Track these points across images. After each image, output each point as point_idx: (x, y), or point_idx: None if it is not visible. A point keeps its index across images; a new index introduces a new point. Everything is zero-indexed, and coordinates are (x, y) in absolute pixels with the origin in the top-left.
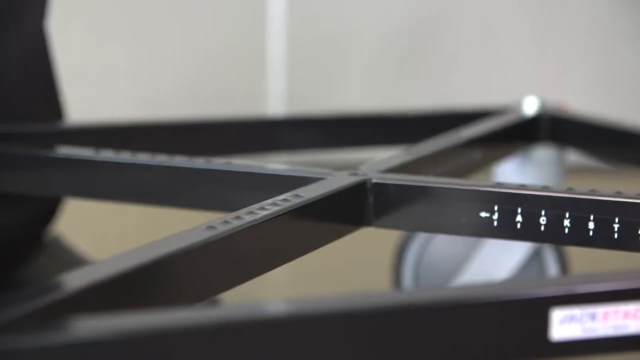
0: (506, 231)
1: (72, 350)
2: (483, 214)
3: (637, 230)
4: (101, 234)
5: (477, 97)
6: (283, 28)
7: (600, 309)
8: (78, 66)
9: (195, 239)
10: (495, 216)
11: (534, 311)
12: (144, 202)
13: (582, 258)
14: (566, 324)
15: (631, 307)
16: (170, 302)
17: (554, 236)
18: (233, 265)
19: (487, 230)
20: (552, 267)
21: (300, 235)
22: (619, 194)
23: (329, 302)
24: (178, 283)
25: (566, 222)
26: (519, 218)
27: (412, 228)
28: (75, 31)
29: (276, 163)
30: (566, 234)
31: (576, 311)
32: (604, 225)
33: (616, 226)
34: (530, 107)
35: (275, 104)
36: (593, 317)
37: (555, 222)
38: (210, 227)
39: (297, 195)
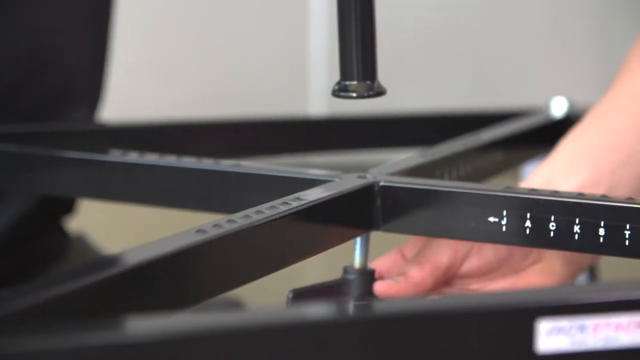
0: (515, 236)
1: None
2: (492, 219)
3: None
4: (127, 233)
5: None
6: (325, 27)
7: (590, 321)
8: (122, 66)
9: (183, 242)
10: (504, 221)
11: (519, 322)
12: (151, 204)
13: (612, 262)
14: (553, 336)
15: (623, 319)
16: (156, 305)
17: (563, 242)
18: (225, 269)
19: (496, 235)
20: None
21: (299, 238)
22: (630, 200)
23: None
24: (165, 286)
25: (576, 228)
26: (528, 223)
27: (420, 232)
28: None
29: (286, 165)
30: (576, 240)
31: (564, 322)
32: (614, 232)
33: (627, 233)
34: (558, 108)
35: (317, 103)
36: (582, 329)
37: (565, 228)
38: (200, 231)
39: (298, 198)
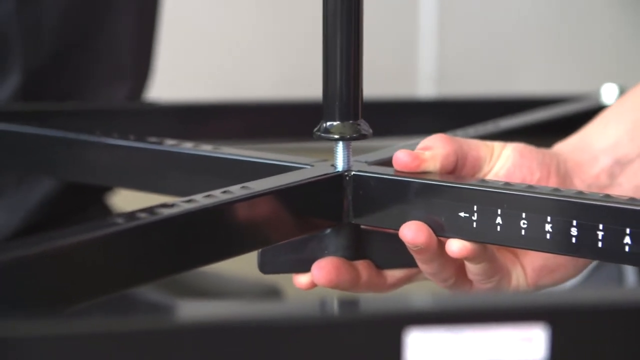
0: (485, 233)
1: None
2: (462, 214)
3: (623, 240)
4: None
5: None
6: (435, 7)
7: (470, 333)
8: (233, 42)
9: (95, 232)
10: (475, 217)
11: (385, 332)
12: (126, 187)
13: None
14: (425, 349)
15: (509, 332)
16: (62, 296)
17: (534, 241)
18: (137, 261)
19: (466, 232)
20: (629, 274)
21: (239, 229)
22: (606, 198)
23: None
24: (71, 277)
25: (547, 227)
26: (499, 220)
27: (391, 225)
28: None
29: (268, 151)
30: (547, 239)
31: (438, 334)
32: (587, 232)
33: (600, 233)
34: (609, 95)
35: (425, 84)
36: (460, 341)
37: (536, 226)
38: (111, 223)
39: (244, 187)
